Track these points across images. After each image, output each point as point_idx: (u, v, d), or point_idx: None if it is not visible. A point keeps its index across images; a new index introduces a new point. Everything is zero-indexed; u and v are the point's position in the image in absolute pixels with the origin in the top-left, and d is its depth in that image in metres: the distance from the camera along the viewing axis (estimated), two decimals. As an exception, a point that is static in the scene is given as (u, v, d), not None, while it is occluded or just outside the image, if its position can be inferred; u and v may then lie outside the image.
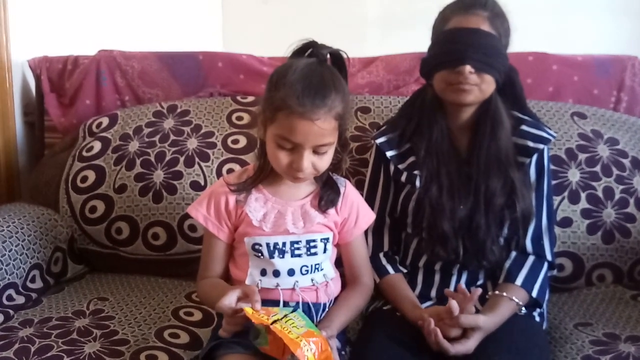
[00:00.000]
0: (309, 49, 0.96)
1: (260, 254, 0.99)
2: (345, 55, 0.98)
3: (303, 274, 1.00)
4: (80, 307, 1.22)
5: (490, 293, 1.08)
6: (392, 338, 1.02)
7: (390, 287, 1.13)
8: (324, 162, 0.95)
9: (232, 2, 2.76)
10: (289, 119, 0.89)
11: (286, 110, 0.89)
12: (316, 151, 0.93)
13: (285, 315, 0.85)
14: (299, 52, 0.97)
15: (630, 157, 1.39)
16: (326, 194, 1.01)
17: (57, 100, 1.68)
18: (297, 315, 0.86)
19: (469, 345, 0.95)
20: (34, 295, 1.28)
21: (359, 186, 1.32)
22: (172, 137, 1.48)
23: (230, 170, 1.41)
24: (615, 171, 1.37)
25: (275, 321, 0.83)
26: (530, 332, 1.04)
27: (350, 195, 1.06)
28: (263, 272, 0.99)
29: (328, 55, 0.96)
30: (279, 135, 0.92)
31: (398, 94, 1.57)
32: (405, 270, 1.17)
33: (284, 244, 0.99)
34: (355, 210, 1.06)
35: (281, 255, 0.99)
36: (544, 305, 1.13)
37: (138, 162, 1.44)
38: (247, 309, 0.84)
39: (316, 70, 0.92)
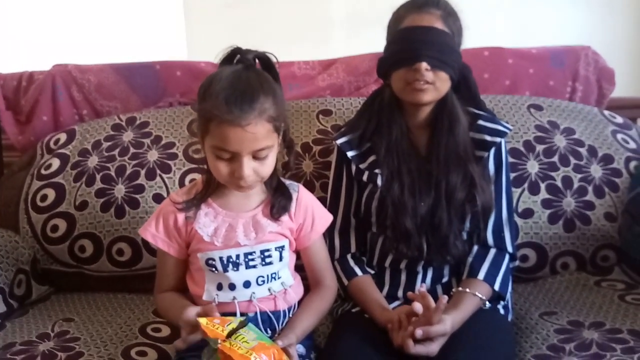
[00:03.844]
0: (236, 56, 0.94)
1: (214, 269, 0.98)
2: (273, 58, 0.97)
3: (259, 285, 0.99)
4: (44, 330, 1.19)
5: (454, 290, 1.09)
6: (362, 340, 1.02)
7: (359, 289, 1.13)
8: (267, 166, 0.94)
9: (195, 9, 2.73)
10: (220, 128, 0.88)
11: (216, 120, 0.88)
12: (256, 156, 0.91)
13: (236, 331, 0.85)
14: (226, 60, 0.95)
15: (587, 145, 1.42)
16: (277, 201, 1.00)
17: (13, 117, 1.63)
18: (247, 330, 0.86)
19: (432, 348, 0.95)
20: (-4, 320, 1.25)
21: (323, 189, 1.34)
22: (132, 150, 1.45)
23: (192, 181, 1.39)
24: (573, 160, 1.40)
25: (225, 339, 0.82)
26: (493, 326, 1.05)
27: (304, 199, 1.05)
28: (219, 287, 0.99)
29: (256, 60, 0.95)
30: (214, 146, 0.91)
31: (359, 95, 1.56)
32: (372, 272, 1.18)
33: (237, 256, 0.98)
34: (311, 214, 1.05)
35: (235, 268, 0.98)
36: (508, 297, 1.14)
37: (98, 177, 1.42)
38: (202, 320, 0.84)
39: (242, 76, 0.91)
